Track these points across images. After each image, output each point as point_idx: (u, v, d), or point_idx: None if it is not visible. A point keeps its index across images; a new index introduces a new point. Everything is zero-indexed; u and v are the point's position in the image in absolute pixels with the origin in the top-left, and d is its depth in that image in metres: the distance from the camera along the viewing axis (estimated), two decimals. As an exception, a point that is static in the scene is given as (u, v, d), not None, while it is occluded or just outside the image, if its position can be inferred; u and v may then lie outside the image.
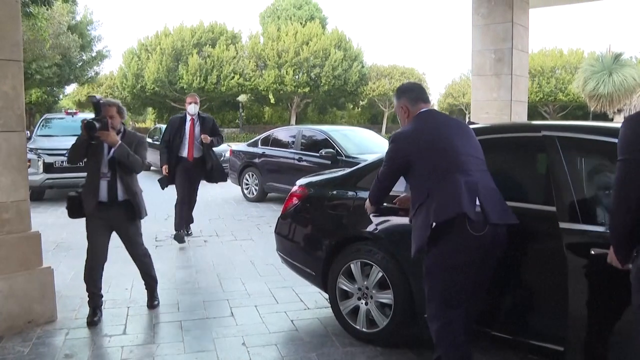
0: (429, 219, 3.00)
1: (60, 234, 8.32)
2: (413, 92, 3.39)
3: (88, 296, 4.66)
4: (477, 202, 2.99)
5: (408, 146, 3.19)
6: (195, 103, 7.65)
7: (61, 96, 46.94)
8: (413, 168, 3.16)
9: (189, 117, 7.62)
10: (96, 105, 4.49)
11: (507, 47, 9.07)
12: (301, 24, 49.19)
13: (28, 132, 12.61)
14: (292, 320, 4.59)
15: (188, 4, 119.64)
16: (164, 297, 5.15)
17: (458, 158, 3.09)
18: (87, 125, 4.36)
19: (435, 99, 68.23)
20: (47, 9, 15.71)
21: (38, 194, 12.10)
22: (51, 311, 4.51)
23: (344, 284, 4.16)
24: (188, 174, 7.57)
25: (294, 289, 5.35)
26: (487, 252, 3.03)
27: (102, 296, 4.74)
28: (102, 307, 4.74)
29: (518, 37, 9.26)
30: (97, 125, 4.37)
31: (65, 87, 41.92)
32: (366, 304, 4.05)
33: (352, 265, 4.09)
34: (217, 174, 7.79)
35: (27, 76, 26.80)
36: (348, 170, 4.62)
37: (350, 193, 4.25)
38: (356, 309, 4.12)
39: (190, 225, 8.09)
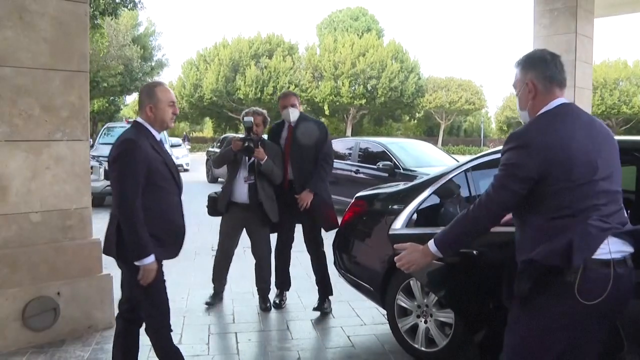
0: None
1: (120, 240, 8.49)
2: (548, 68, 2.35)
3: (214, 282, 5.33)
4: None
5: (548, 154, 2.17)
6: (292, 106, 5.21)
7: (122, 106, 48.47)
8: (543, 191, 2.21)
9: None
10: (249, 129, 4.91)
11: (570, 59, 8.78)
12: (358, 35, 49.33)
13: (91, 140, 13.07)
14: (348, 336, 4.51)
15: (246, 15, 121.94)
16: (220, 308, 5.17)
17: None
18: (247, 149, 4.84)
19: (493, 112, 67.11)
20: (112, 19, 16.26)
21: (99, 200, 12.43)
22: (110, 317, 4.58)
23: (402, 301, 4.06)
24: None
25: (350, 303, 5.27)
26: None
27: (225, 284, 5.43)
28: (222, 292, 5.41)
29: (582, 48, 8.97)
30: (253, 147, 4.84)
31: (126, 96, 43.27)
32: (425, 322, 3.94)
33: (411, 282, 3.99)
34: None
35: (92, 85, 27.83)
36: (409, 184, 4.53)
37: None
38: (415, 327, 4.01)
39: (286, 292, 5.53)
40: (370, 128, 51.86)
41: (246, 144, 4.85)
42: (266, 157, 4.89)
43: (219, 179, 17.73)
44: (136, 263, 2.96)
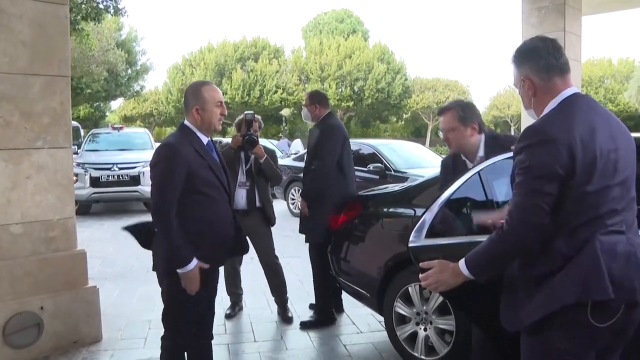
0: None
1: (107, 249, 8.32)
2: (541, 57, 2.09)
3: (229, 294, 5.20)
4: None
5: (573, 150, 1.91)
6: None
7: (107, 112, 48.07)
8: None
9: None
10: (250, 122, 4.83)
11: (559, 58, 8.68)
12: (344, 37, 49.24)
13: (76, 146, 12.86)
14: (345, 345, 4.37)
15: (231, 19, 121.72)
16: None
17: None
18: (249, 140, 4.75)
19: (480, 111, 67.39)
20: (96, 24, 16.04)
21: (85, 208, 12.25)
22: (97, 331, 4.42)
23: (401, 308, 3.93)
24: None
25: (346, 310, 5.12)
26: None
27: (242, 294, 5.30)
28: (242, 303, 5.28)
29: (570, 47, 8.89)
30: (256, 140, 4.78)
31: (112, 102, 42.91)
32: (425, 329, 3.81)
33: (410, 289, 3.85)
34: None
35: (77, 91, 27.53)
36: (404, 185, 4.41)
37: (408, 211, 4.03)
38: (414, 335, 3.88)
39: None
40: (358, 130, 51.81)
41: (247, 137, 4.75)
42: (265, 155, 4.83)
43: None
44: (178, 271, 2.84)
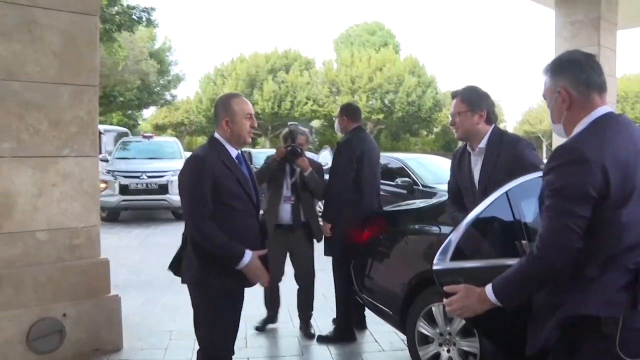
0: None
1: (133, 256, 8.39)
2: (583, 71, 1.99)
3: (267, 308, 5.07)
4: None
5: (608, 172, 1.81)
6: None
7: (140, 120, 48.80)
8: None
9: None
10: (293, 133, 4.82)
11: (594, 73, 8.51)
12: (375, 50, 49.27)
13: (107, 154, 13.05)
14: (366, 363, 4.30)
15: (263, 30, 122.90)
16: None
17: None
18: (292, 151, 4.69)
19: (511, 127, 66.61)
20: (130, 35, 16.32)
21: (114, 215, 12.41)
22: (117, 340, 4.43)
23: (424, 328, 3.84)
24: None
25: (368, 327, 5.05)
26: None
27: (278, 310, 5.18)
28: (276, 317, 5.16)
29: (605, 61, 8.69)
30: (300, 151, 4.71)
31: (144, 110, 43.53)
32: (448, 351, 3.72)
33: (433, 308, 3.77)
34: None
35: (109, 99, 28.01)
36: (431, 202, 4.34)
37: (434, 228, 3.96)
38: (437, 356, 3.79)
39: None
40: (388, 143, 51.63)
41: (290, 148, 4.68)
42: (310, 168, 4.73)
43: None
44: (238, 268, 2.87)
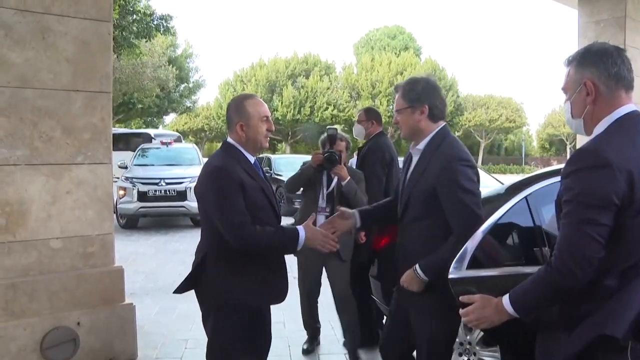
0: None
1: (150, 264, 8.40)
2: (615, 64, 1.90)
3: (306, 328, 4.78)
4: None
5: (632, 177, 1.74)
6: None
7: (160, 126, 49.30)
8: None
9: None
10: (332, 138, 4.41)
11: (619, 74, 8.35)
12: (395, 54, 49.25)
13: (126, 161, 13.13)
14: (384, 373, 4.22)
15: (282, 35, 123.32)
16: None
17: None
18: (329, 157, 4.29)
19: (534, 129, 65.94)
20: (147, 42, 16.47)
21: (132, 222, 12.47)
22: (132, 349, 4.41)
23: (443, 337, 3.77)
24: None
25: (386, 336, 4.97)
26: None
27: (319, 327, 4.86)
28: (319, 335, 4.87)
29: (632, 62, 8.53)
30: (337, 158, 4.30)
31: (164, 117, 43.94)
32: (468, 360, 3.64)
33: (452, 317, 3.69)
34: None
35: (129, 107, 28.32)
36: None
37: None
38: (457, 366, 3.72)
39: None
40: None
41: (327, 154, 4.31)
42: (349, 177, 4.30)
43: None
44: (303, 247, 2.73)
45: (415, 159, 2.84)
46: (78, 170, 4.14)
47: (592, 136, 1.90)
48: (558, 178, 2.57)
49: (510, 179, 6.44)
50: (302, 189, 4.65)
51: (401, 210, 2.83)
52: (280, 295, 2.88)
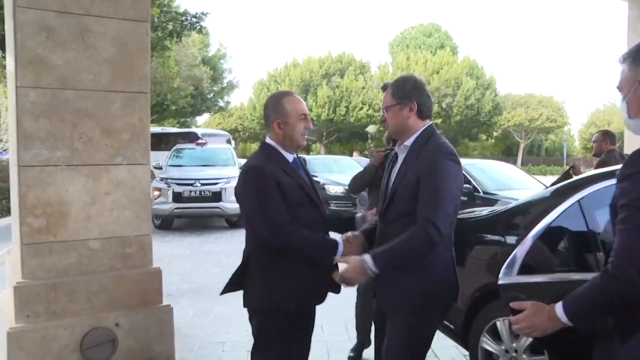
0: None
1: (185, 265, 8.47)
2: None
3: (357, 330, 4.64)
4: None
5: None
6: None
7: (193, 127, 49.88)
8: None
9: None
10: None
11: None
12: (431, 52, 48.88)
13: (161, 162, 13.28)
14: (425, 380, 4.16)
15: (316, 35, 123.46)
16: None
17: None
18: (389, 155, 4.25)
19: (576, 129, 64.67)
20: (177, 42, 16.59)
21: (167, 223, 12.60)
22: (169, 351, 4.43)
23: (488, 344, 3.69)
24: None
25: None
26: None
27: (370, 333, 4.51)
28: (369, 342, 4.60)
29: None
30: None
31: (198, 117, 44.43)
32: (514, 369, 3.56)
33: (498, 323, 3.62)
34: None
35: (163, 107, 28.68)
36: (493, 210, 4.18)
37: (497, 238, 3.80)
38: (502, 374, 3.64)
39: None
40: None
41: (388, 151, 4.25)
42: None
43: None
44: (339, 261, 2.61)
45: (401, 157, 2.80)
46: (117, 171, 4.18)
47: None
48: (612, 181, 2.51)
49: (551, 181, 6.29)
50: (367, 188, 4.63)
51: (384, 207, 2.78)
52: (320, 296, 2.87)
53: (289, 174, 2.74)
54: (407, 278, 2.59)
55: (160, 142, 19.67)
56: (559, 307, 1.88)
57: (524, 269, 2.61)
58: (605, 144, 6.63)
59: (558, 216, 2.76)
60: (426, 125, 2.78)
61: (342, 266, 2.54)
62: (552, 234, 2.78)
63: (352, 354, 4.63)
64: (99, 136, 4.10)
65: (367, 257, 2.51)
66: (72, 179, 4.02)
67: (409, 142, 2.75)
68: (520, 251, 2.60)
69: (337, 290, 2.90)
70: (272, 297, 2.72)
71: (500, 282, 2.54)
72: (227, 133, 23.68)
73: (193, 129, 24.30)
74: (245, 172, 2.77)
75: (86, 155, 4.06)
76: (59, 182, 3.98)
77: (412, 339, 2.65)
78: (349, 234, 2.84)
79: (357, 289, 4.60)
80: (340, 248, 2.71)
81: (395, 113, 2.77)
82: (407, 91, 2.76)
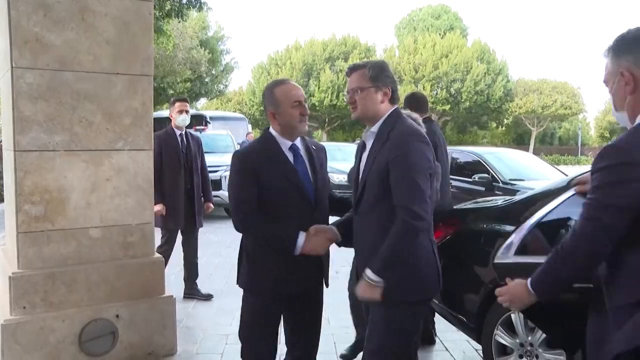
0: None
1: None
2: None
3: (355, 326, 4.65)
4: None
5: None
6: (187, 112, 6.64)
7: (202, 110, 49.86)
8: None
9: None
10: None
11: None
12: (440, 35, 48.69)
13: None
14: (436, 375, 4.22)
15: (319, 16, 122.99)
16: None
17: None
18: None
19: (592, 117, 64.54)
20: (180, 22, 16.47)
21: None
22: (172, 343, 4.48)
23: (502, 337, 3.73)
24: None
25: (438, 335, 4.96)
26: None
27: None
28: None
29: None
30: None
31: (195, 102, 44.34)
32: (529, 363, 3.61)
33: (513, 316, 3.65)
34: None
35: (159, 91, 28.60)
36: (508, 199, 4.21)
37: (513, 228, 3.83)
38: (516, 369, 3.68)
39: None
40: (454, 136, 50.91)
41: None
42: None
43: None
44: (297, 254, 2.86)
45: (369, 144, 2.84)
46: (118, 156, 4.21)
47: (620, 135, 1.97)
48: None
49: (569, 171, 6.33)
50: None
51: (356, 199, 2.85)
52: (290, 287, 2.99)
53: (276, 164, 2.90)
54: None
55: (163, 126, 19.45)
56: (528, 281, 2.13)
57: (521, 250, 2.76)
58: None
59: (557, 206, 2.87)
60: (393, 109, 2.83)
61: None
62: (551, 222, 2.91)
63: (345, 352, 4.62)
64: (99, 120, 4.12)
65: (368, 271, 2.63)
66: (71, 164, 4.05)
67: (375, 127, 2.81)
68: (518, 237, 2.76)
69: (319, 286, 3.12)
70: (248, 279, 3.02)
71: (495, 260, 2.70)
72: (241, 115, 23.12)
73: (201, 112, 24.05)
74: (231, 157, 3.02)
75: (86, 140, 4.09)
76: (58, 167, 4.01)
77: (392, 330, 2.73)
78: (314, 227, 2.93)
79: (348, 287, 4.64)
80: (300, 241, 2.84)
81: (369, 95, 2.79)
82: (385, 75, 2.81)
